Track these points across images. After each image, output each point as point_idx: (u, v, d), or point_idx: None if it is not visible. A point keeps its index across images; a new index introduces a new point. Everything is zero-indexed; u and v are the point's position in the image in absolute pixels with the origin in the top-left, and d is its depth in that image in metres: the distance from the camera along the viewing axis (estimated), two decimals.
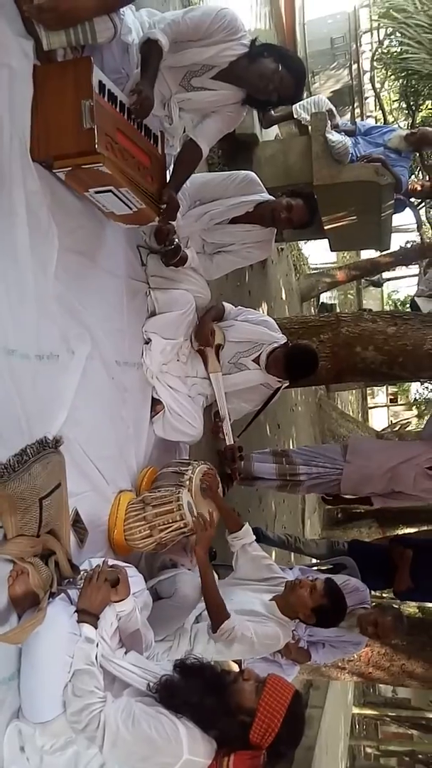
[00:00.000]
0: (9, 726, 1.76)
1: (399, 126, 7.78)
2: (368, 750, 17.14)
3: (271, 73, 2.36)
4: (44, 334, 2.06)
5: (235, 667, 2.80)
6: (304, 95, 6.35)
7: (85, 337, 2.31)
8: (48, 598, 1.80)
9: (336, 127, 5.33)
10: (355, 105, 12.31)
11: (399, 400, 23.52)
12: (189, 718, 1.72)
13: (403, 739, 16.88)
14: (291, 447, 7.21)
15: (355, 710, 14.06)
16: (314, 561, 4.41)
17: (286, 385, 3.27)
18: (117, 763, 1.72)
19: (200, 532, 2.38)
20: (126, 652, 2.01)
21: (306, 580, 2.50)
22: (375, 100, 10.88)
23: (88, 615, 1.86)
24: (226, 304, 3.22)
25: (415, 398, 21.50)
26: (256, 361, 3.12)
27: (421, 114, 9.03)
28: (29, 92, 2.02)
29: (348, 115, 11.72)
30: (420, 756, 15.19)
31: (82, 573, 2.00)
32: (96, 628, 1.86)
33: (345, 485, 3.87)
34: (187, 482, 2.50)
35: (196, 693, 1.75)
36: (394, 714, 15.02)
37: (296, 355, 3.08)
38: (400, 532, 7.40)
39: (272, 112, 5.59)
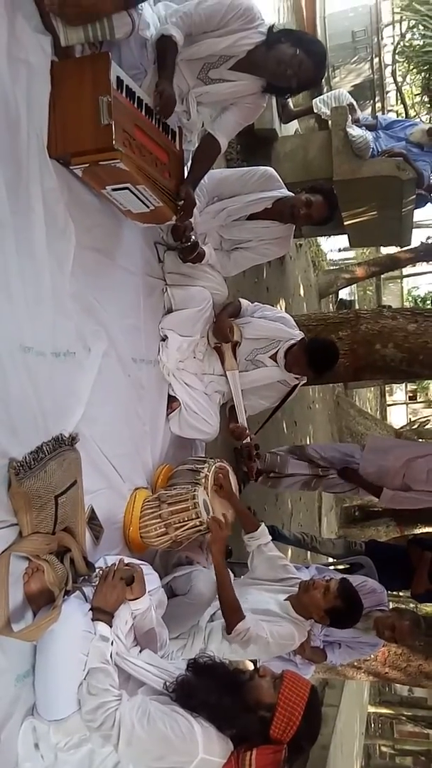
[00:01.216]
0: (23, 723, 1.76)
1: (421, 120, 7.68)
2: (384, 749, 17.07)
3: (289, 58, 2.31)
4: (60, 331, 2.06)
5: (250, 666, 2.80)
6: (324, 89, 6.30)
7: (101, 334, 2.30)
8: (63, 596, 1.80)
9: (357, 122, 5.29)
10: (377, 99, 12.13)
11: (418, 397, 23.28)
12: (206, 717, 1.71)
13: (419, 738, 16.78)
14: (308, 443, 7.17)
15: (371, 709, 14.00)
16: (331, 560, 4.38)
17: (304, 382, 3.24)
18: (131, 762, 1.72)
19: (215, 534, 2.36)
20: (140, 651, 2.01)
21: (320, 581, 2.47)
22: (397, 94, 10.71)
23: (103, 613, 1.86)
24: (242, 300, 3.20)
25: None
26: (273, 358, 3.10)
27: None
28: (47, 88, 2.01)
29: (369, 110, 11.56)
30: None
31: (97, 570, 2.00)
32: (111, 626, 1.86)
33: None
34: (203, 480, 2.49)
35: (213, 692, 1.75)
36: (410, 713, 14.93)
37: (317, 350, 3.06)
38: (419, 531, 7.33)
39: (291, 106, 5.55)
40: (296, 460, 3.94)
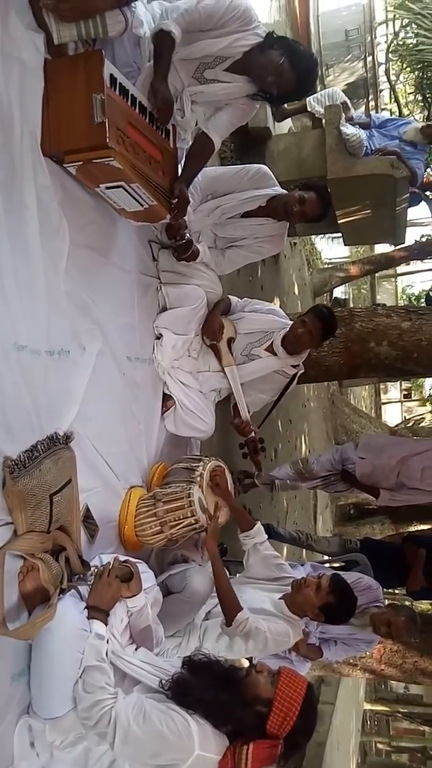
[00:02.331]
0: (19, 722, 1.77)
1: (414, 118, 7.69)
2: (380, 746, 17.12)
3: (273, 66, 2.33)
4: (55, 329, 2.06)
5: (246, 664, 2.80)
6: (318, 88, 6.30)
7: (95, 332, 2.30)
8: (58, 594, 1.80)
9: (350, 120, 5.29)
10: (370, 97, 12.17)
11: (413, 395, 23.34)
12: (201, 714, 1.72)
13: (414, 735, 16.84)
14: (303, 441, 7.19)
15: (367, 706, 14.06)
16: (326, 558, 4.39)
17: (302, 371, 3.24)
18: (127, 760, 1.73)
19: (212, 528, 2.38)
20: (136, 649, 2.01)
21: (311, 579, 2.47)
22: (390, 93, 10.75)
23: (98, 611, 1.86)
24: (232, 297, 3.21)
25: (429, 394, 21.33)
26: (269, 350, 3.10)
27: None
28: (40, 86, 2.01)
29: (362, 108, 11.59)
30: None
31: (92, 569, 2.00)
32: (106, 624, 1.87)
33: (358, 478, 3.86)
34: (198, 478, 2.49)
35: (209, 689, 1.76)
36: (405, 710, 14.98)
37: (322, 311, 3.09)
38: (413, 528, 7.35)
39: (285, 105, 5.55)
40: (307, 481, 4.01)
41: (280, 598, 2.49)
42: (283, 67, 2.33)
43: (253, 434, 3.14)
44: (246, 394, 3.10)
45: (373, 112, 9.87)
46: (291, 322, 3.14)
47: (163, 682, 1.81)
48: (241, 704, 1.77)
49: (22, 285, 1.90)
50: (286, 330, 3.07)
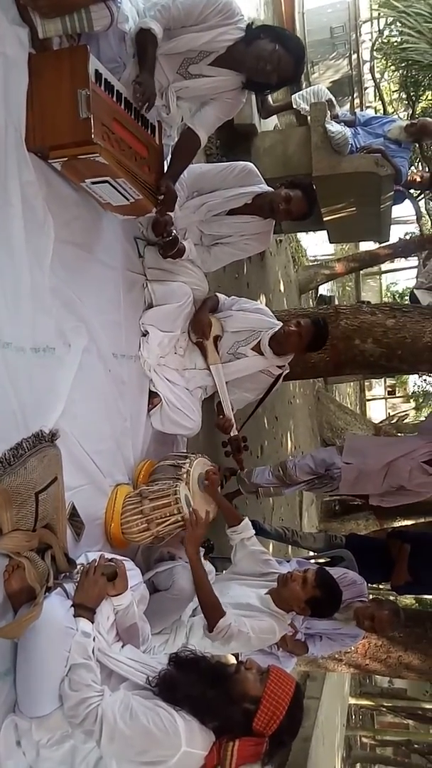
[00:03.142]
0: (5, 721, 1.76)
1: (399, 117, 7.73)
2: (364, 740, 17.26)
3: (268, 54, 2.33)
4: (40, 326, 2.04)
5: (232, 659, 2.81)
6: (303, 85, 6.31)
7: (81, 329, 2.29)
8: (44, 593, 1.80)
9: (335, 118, 5.29)
10: (355, 95, 12.20)
11: (397, 392, 23.54)
12: (188, 710, 1.72)
13: (399, 729, 17.01)
14: (289, 438, 7.22)
15: (352, 700, 14.15)
16: (312, 553, 4.42)
17: (287, 371, 3.25)
18: (114, 757, 1.72)
19: (190, 532, 2.37)
20: (123, 646, 2.01)
21: (297, 573, 2.48)
22: (375, 91, 10.78)
23: (84, 609, 1.86)
24: (219, 294, 3.21)
25: (413, 391, 21.54)
26: (256, 349, 3.10)
27: (421, 105, 8.96)
28: (24, 81, 1.99)
29: (347, 106, 11.62)
30: (416, 745, 15.31)
31: (78, 567, 2.00)
32: (92, 622, 1.86)
33: (343, 485, 3.87)
34: (185, 475, 2.49)
35: (196, 685, 1.76)
36: (390, 704, 15.12)
37: (318, 321, 3.11)
38: (398, 524, 7.41)
39: (271, 101, 5.55)
40: (289, 487, 4.02)
41: (266, 593, 2.50)
42: (279, 53, 2.34)
43: (235, 432, 3.15)
44: (231, 392, 3.10)
45: (358, 110, 9.89)
46: (278, 323, 3.15)
47: (150, 678, 1.81)
48: (229, 701, 1.77)
49: (6, 281, 1.89)
50: (274, 330, 3.08)
